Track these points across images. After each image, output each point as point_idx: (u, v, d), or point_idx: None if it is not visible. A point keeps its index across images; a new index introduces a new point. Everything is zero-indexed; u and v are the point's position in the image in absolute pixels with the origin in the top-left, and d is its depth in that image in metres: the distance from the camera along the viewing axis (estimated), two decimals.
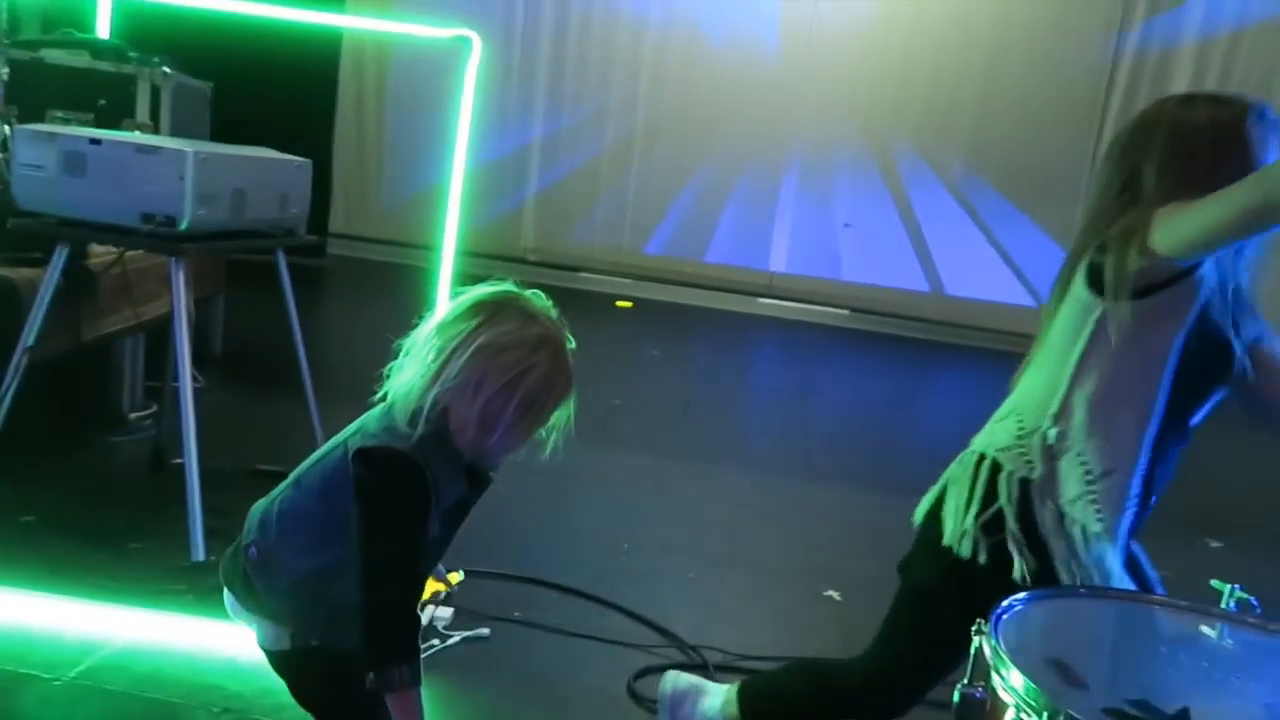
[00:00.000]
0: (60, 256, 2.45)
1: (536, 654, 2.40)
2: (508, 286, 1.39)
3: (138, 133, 2.88)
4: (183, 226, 2.35)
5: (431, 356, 1.33)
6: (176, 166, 2.29)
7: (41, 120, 3.14)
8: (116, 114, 3.58)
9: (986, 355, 6.79)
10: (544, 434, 1.42)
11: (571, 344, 1.39)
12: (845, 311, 7.92)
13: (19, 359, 2.44)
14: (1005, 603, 1.23)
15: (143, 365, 3.55)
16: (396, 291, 6.44)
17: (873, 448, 4.76)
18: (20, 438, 2.63)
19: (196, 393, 2.78)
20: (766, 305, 8.05)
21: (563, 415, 1.41)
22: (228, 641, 2.14)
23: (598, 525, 3.26)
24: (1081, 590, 1.46)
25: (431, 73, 7.41)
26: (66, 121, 3.27)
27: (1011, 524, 1.56)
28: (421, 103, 7.69)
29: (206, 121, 4.07)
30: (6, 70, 3.09)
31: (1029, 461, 1.57)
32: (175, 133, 3.73)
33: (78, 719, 1.89)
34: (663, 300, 7.92)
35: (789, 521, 3.56)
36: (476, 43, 2.17)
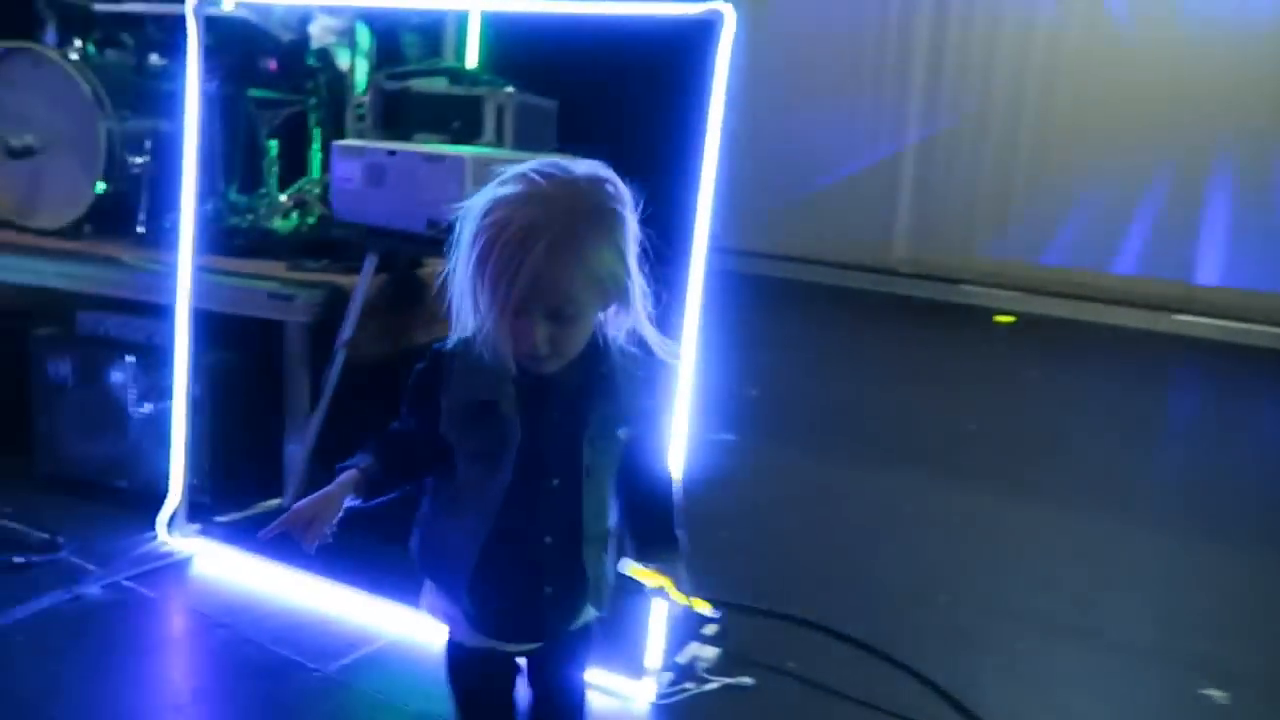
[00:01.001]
0: (370, 263, 2.59)
1: (808, 717, 2.08)
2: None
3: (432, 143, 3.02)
4: None
5: None
6: (456, 173, 2.31)
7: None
8: (469, 134, 3.82)
9: None
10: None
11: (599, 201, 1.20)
12: None
13: (334, 357, 2.61)
14: None
15: None
16: (757, 304, 6.35)
17: None
18: (345, 432, 2.83)
19: None
20: (1184, 323, 6.81)
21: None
22: None
23: (911, 570, 2.83)
24: None
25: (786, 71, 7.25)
26: (425, 143, 3.53)
27: None
28: (795, 111, 7.58)
29: (552, 136, 4.21)
30: (366, 99, 3.39)
31: None
32: (517, 148, 3.89)
33: (320, 713, 1.92)
34: (1052, 315, 7.02)
35: (1162, 590, 2.84)
36: (729, 17, 1.92)
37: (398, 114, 3.74)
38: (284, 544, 2.53)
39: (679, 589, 1.33)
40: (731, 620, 2.35)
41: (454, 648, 1.41)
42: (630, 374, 1.32)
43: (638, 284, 1.26)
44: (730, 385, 4.65)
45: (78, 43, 3.48)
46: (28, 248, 3.04)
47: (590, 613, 1.40)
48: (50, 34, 3.46)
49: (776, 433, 4.09)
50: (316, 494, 1.30)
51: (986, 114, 7.44)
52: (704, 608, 1.36)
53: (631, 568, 1.33)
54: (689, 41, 2.09)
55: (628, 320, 1.28)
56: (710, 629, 2.30)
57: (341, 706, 1.95)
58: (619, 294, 1.24)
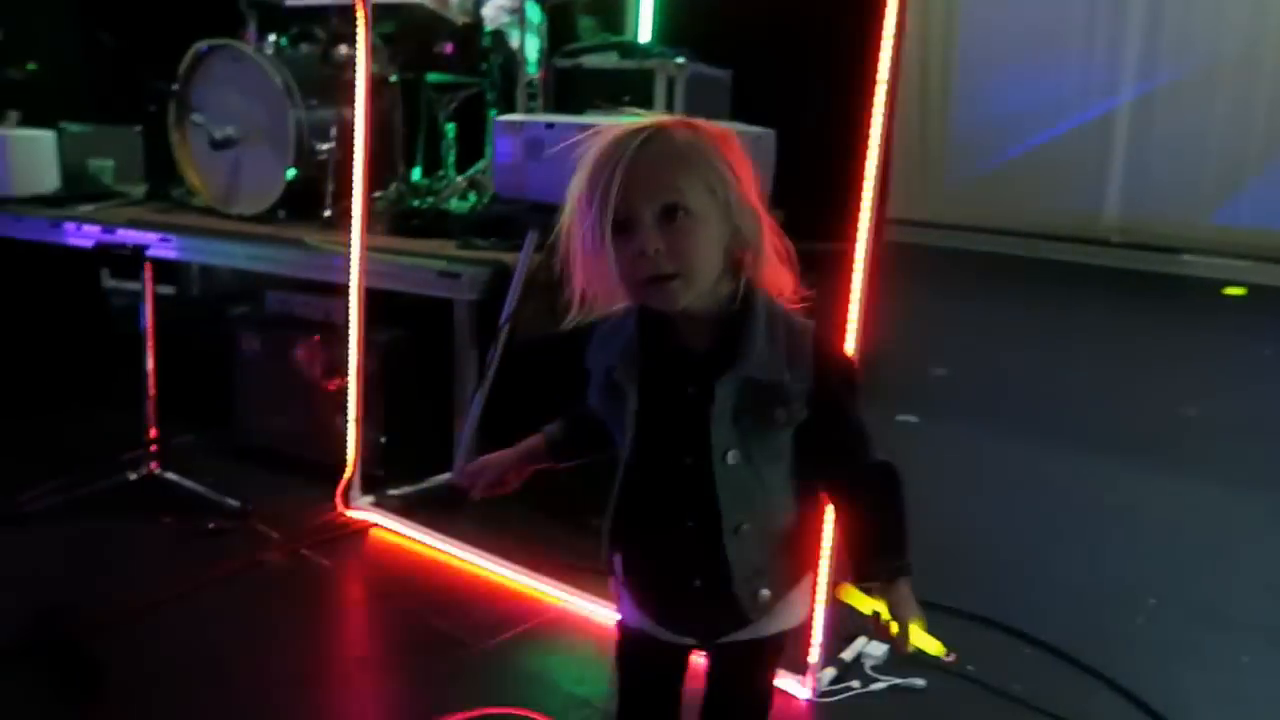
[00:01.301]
0: (530, 239, 2.57)
1: None
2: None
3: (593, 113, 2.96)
4: None
5: None
6: None
7: None
8: (641, 108, 3.77)
9: None
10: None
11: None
12: None
13: (499, 335, 2.61)
14: None
15: None
16: (948, 279, 6.01)
17: None
18: (510, 409, 2.85)
19: None
20: None
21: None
22: None
23: (1113, 569, 2.55)
24: None
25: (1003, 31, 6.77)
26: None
27: None
28: (996, 67, 7.09)
29: (725, 106, 4.09)
30: (538, 78, 3.40)
31: None
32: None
33: (472, 688, 1.92)
34: None
35: None
36: None
37: (570, 91, 3.73)
38: (453, 515, 2.58)
39: (897, 618, 1.11)
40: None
41: (619, 628, 1.33)
42: (789, 343, 1.15)
43: (763, 221, 1.14)
44: (916, 365, 4.40)
45: (272, 38, 3.66)
46: (226, 232, 3.23)
47: (778, 620, 1.24)
48: (251, 31, 3.67)
49: (965, 415, 3.82)
50: (503, 451, 1.35)
51: (1216, 65, 6.69)
52: (932, 646, 1.14)
53: (845, 591, 1.14)
54: (868, 4, 1.94)
55: (761, 264, 1.15)
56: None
57: (496, 682, 1.94)
58: (736, 213, 1.11)
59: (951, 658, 1.16)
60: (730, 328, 1.15)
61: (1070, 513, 2.94)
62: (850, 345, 1.91)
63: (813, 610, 1.91)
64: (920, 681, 1.99)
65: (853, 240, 1.92)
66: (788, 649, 1.32)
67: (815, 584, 1.34)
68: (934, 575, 2.38)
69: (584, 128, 2.33)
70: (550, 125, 2.39)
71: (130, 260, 2.71)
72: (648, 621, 1.27)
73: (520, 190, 2.50)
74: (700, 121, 1.15)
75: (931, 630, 2.03)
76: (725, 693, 1.33)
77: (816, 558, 1.31)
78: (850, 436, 1.19)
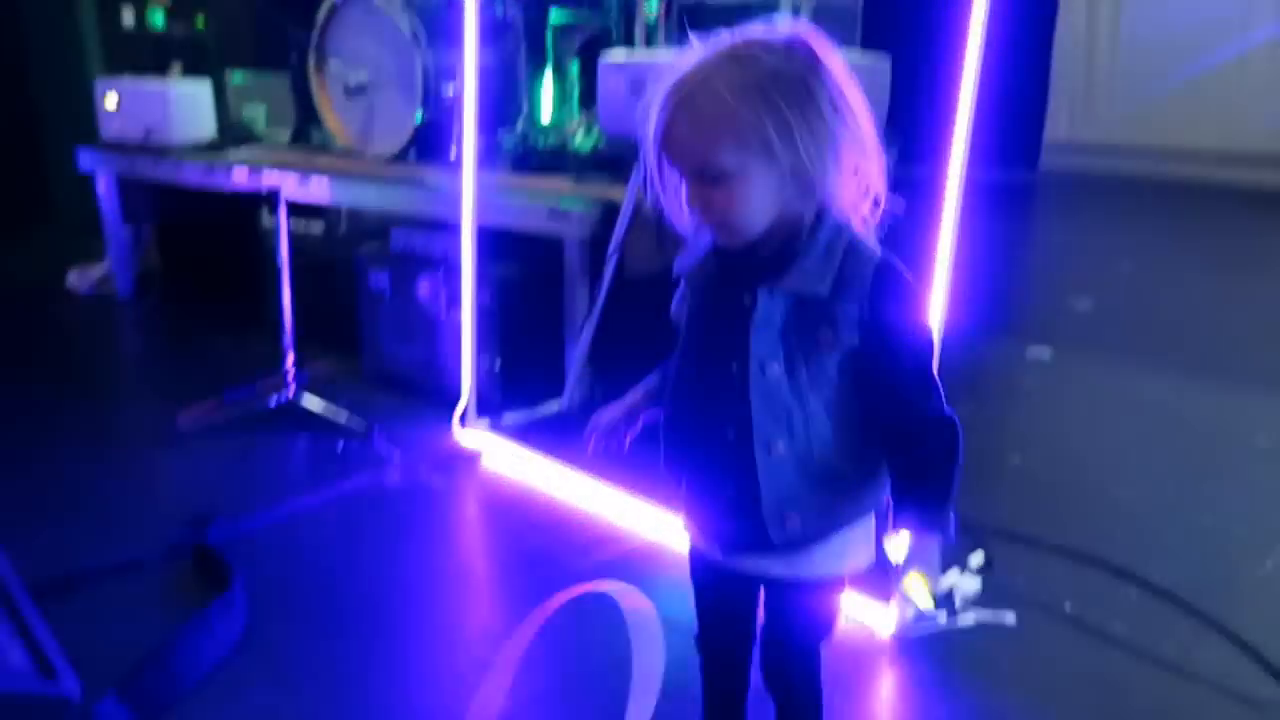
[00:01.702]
0: (636, 175, 2.59)
1: (1076, 668, 1.83)
2: None
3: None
4: None
5: None
6: None
7: None
8: None
9: None
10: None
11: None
12: None
13: (607, 265, 2.66)
14: None
15: None
16: (1111, 206, 5.64)
17: None
18: (631, 344, 2.90)
19: None
20: None
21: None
22: None
23: (1247, 513, 2.40)
24: None
25: None
26: None
27: None
28: None
29: (854, 36, 3.95)
30: (657, 13, 3.38)
31: None
32: None
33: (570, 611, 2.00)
34: None
35: None
36: None
37: (691, 26, 3.69)
38: (563, 442, 2.67)
39: (927, 572, 1.16)
40: (1003, 552, 2.14)
41: (690, 551, 1.37)
42: (847, 266, 1.14)
43: (823, 160, 1.11)
44: (1057, 296, 4.19)
45: None
46: (355, 173, 3.40)
47: (821, 565, 1.23)
48: None
49: (1105, 348, 3.62)
50: (609, 408, 1.36)
51: None
52: (922, 600, 1.19)
53: (888, 539, 1.18)
54: None
55: (840, 186, 1.14)
56: (976, 558, 2.10)
57: (599, 606, 2.02)
58: (784, 162, 1.09)
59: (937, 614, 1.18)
60: (789, 239, 1.15)
61: (1210, 454, 2.77)
62: (939, 276, 1.84)
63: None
64: (1011, 618, 1.95)
65: (943, 167, 1.84)
66: (835, 601, 1.29)
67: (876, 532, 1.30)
68: (1045, 512, 2.34)
69: None
70: (654, 63, 2.38)
71: (268, 200, 2.89)
72: (695, 535, 1.31)
73: (627, 128, 2.52)
74: (772, 41, 1.11)
75: (1034, 568, 1.98)
76: (772, 633, 1.32)
77: (878, 506, 1.25)
78: (907, 382, 1.16)
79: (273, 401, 2.90)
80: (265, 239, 4.75)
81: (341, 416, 2.85)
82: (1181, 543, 2.27)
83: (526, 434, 2.77)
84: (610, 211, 2.80)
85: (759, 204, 1.12)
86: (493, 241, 2.84)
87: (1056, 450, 2.77)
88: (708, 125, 1.09)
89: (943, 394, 1.18)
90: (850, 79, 1.13)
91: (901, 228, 1.24)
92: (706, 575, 1.36)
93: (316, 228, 4.93)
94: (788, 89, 1.08)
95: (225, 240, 4.45)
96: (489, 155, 3.31)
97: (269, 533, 2.30)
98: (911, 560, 1.17)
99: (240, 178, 3.55)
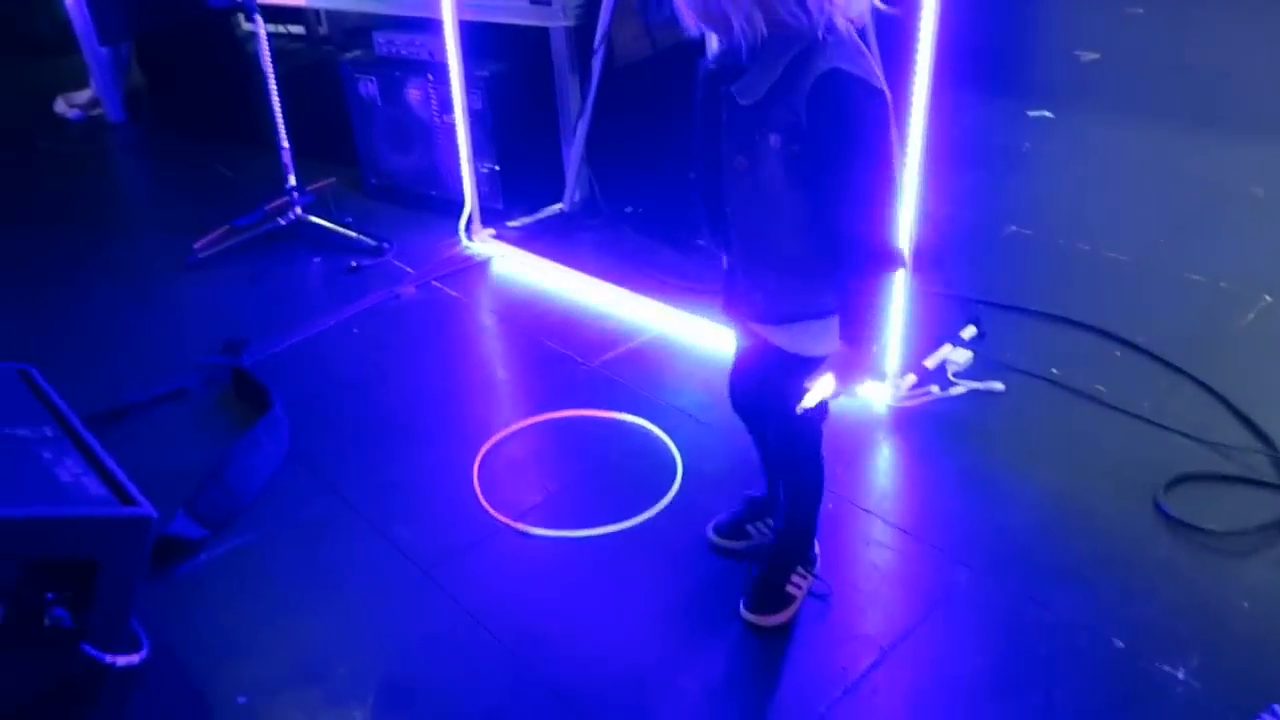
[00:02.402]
0: None
1: (1058, 426, 1.97)
2: None
3: None
4: None
5: None
6: None
7: None
8: None
9: None
10: None
11: None
12: None
13: (594, 57, 2.61)
14: None
15: None
16: None
17: None
18: (626, 137, 2.90)
19: None
20: None
21: None
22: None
23: (1235, 265, 2.46)
24: None
25: None
26: None
27: None
28: None
29: None
30: None
31: None
32: None
33: (587, 401, 2.15)
34: None
35: None
36: None
37: None
38: (568, 242, 2.74)
39: (840, 378, 1.29)
40: (995, 322, 2.24)
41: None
42: (796, 74, 1.17)
43: None
44: (1064, 50, 4.07)
45: None
46: None
47: (797, 343, 1.36)
48: None
49: (1112, 105, 3.57)
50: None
51: None
52: (812, 400, 1.32)
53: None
54: None
55: (798, 10, 1.16)
56: (968, 332, 2.21)
57: (605, 395, 2.16)
58: None
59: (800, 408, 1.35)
60: (783, 44, 1.18)
61: (1205, 208, 2.81)
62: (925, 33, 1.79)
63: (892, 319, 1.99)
64: (999, 385, 2.08)
65: None
66: (809, 385, 1.35)
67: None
68: (1038, 280, 2.42)
69: None
70: None
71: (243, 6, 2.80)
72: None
73: None
74: None
75: (1024, 336, 2.09)
76: (761, 389, 1.50)
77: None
78: (833, 196, 1.21)
79: (283, 222, 2.95)
80: (245, 44, 4.61)
81: (351, 234, 2.90)
82: (1169, 302, 2.36)
83: (531, 238, 2.83)
84: None
85: (732, 10, 1.16)
86: (477, 39, 2.77)
87: (1052, 215, 2.81)
88: None
89: (881, 220, 1.21)
90: None
91: None
92: (737, 341, 1.53)
93: (295, 30, 4.76)
94: None
95: (205, 50, 4.32)
96: None
97: (299, 352, 2.42)
98: (828, 365, 1.31)
99: None
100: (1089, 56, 3.97)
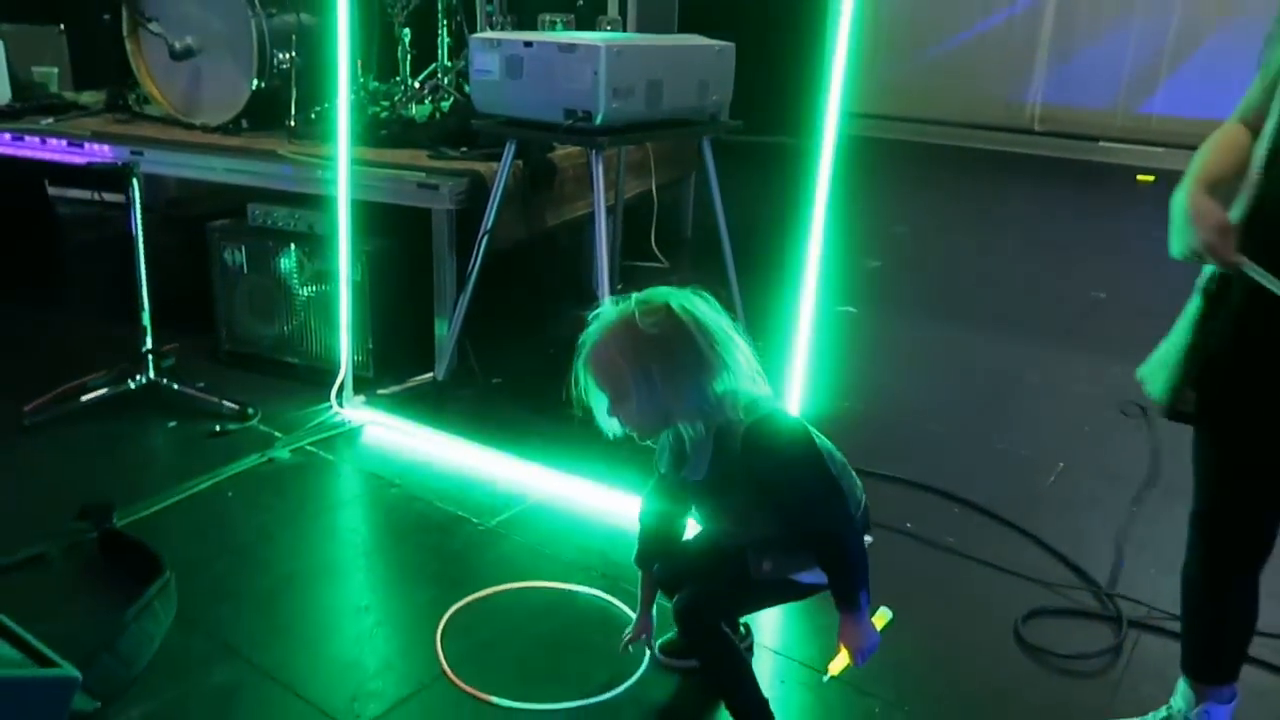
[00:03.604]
0: (509, 151, 2.73)
1: (919, 573, 2.23)
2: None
3: (564, 30, 3.08)
4: (598, 121, 2.48)
5: None
6: (592, 62, 2.40)
7: (534, 25, 3.50)
8: (593, 13, 3.86)
9: None
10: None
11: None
12: None
13: (479, 242, 2.79)
14: None
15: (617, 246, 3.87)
16: (881, 170, 6.25)
17: None
18: (496, 312, 3.06)
19: (659, 273, 2.92)
20: None
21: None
22: (620, 512, 2.33)
23: (1032, 440, 2.91)
24: None
25: None
26: (554, 24, 3.59)
27: None
28: None
29: (672, 15, 4.20)
30: None
31: None
32: (641, 27, 3.91)
33: (486, 561, 2.18)
34: None
35: None
36: None
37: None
38: (440, 411, 2.79)
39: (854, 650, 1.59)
40: None
41: None
42: (722, 449, 1.56)
43: (683, 395, 1.52)
44: (853, 257, 4.68)
45: None
46: (198, 145, 3.30)
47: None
48: None
49: (898, 303, 4.13)
50: (641, 614, 1.83)
51: None
52: (838, 668, 1.61)
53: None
54: None
55: (693, 416, 1.54)
56: None
57: (504, 555, 2.21)
58: (656, 397, 1.51)
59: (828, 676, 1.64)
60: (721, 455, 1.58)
61: (995, 390, 3.29)
62: (812, 240, 2.13)
63: None
64: (868, 538, 2.31)
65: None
66: None
67: None
68: (878, 447, 2.73)
69: (562, 47, 2.51)
70: (529, 44, 2.51)
71: (116, 176, 2.78)
72: None
73: (501, 106, 2.65)
74: (637, 316, 1.51)
75: (878, 497, 2.37)
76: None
77: None
78: (795, 511, 1.58)
79: (133, 385, 2.83)
80: (53, 214, 4.44)
81: (213, 398, 2.83)
82: (985, 466, 2.73)
83: (403, 405, 2.88)
84: (477, 184, 2.92)
85: (645, 421, 1.56)
86: (360, 215, 2.88)
87: (878, 394, 3.20)
88: (602, 372, 1.53)
89: (830, 508, 1.58)
90: (716, 323, 1.54)
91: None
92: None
93: (114, 199, 4.65)
94: (654, 348, 1.49)
95: (14, 218, 4.12)
96: (320, 125, 3.30)
97: (172, 515, 2.30)
98: (841, 636, 1.60)
99: (60, 149, 3.35)
100: (873, 264, 4.61)
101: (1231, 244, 1.31)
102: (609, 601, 2.06)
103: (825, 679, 1.65)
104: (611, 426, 1.55)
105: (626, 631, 1.83)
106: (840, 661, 1.59)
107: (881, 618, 1.70)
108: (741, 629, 1.92)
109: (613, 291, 3.70)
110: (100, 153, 3.30)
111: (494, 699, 1.75)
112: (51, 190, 4.68)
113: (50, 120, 3.58)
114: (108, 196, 4.90)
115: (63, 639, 1.77)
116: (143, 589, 1.90)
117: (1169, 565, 2.24)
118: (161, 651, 1.83)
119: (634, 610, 1.86)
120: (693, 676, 1.83)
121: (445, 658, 1.85)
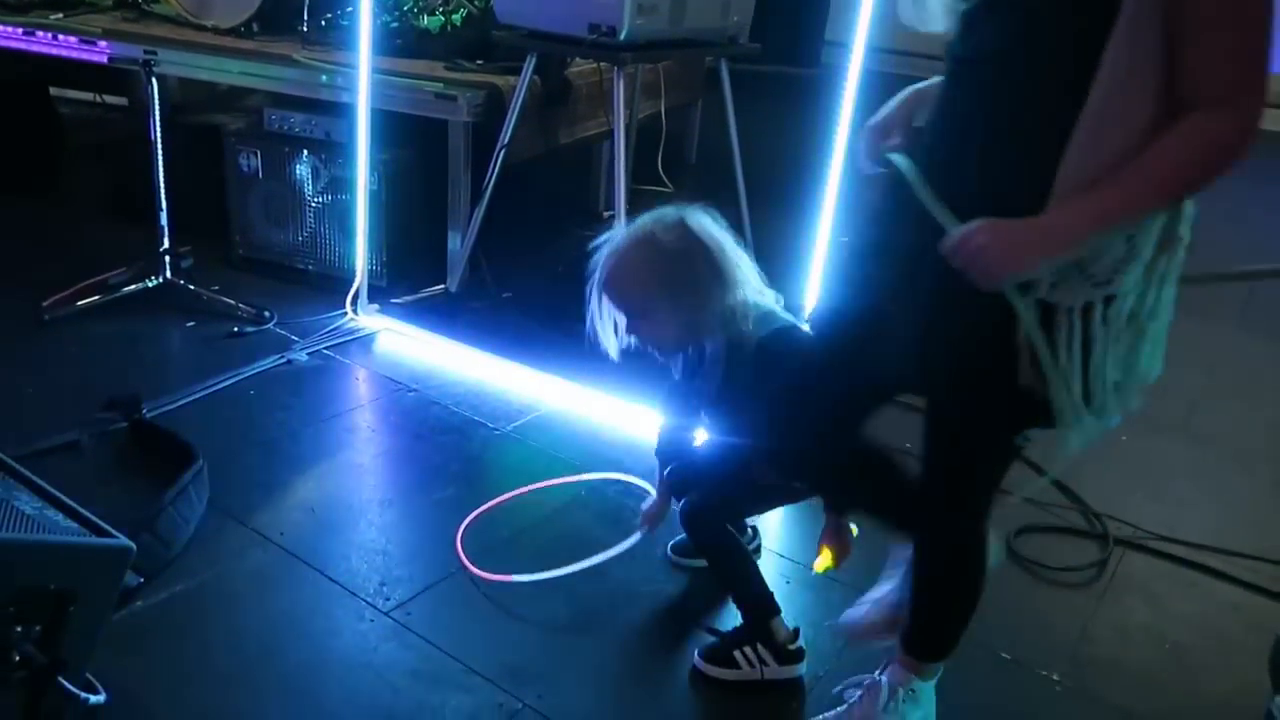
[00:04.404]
0: (529, 64, 2.74)
1: None
2: None
3: None
4: (622, 36, 2.49)
5: None
6: None
7: None
8: None
9: None
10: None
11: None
12: None
13: (497, 155, 2.81)
14: None
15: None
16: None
17: None
18: (507, 227, 3.09)
19: (664, 198, 2.97)
20: None
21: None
22: (630, 421, 2.41)
23: None
24: None
25: None
26: None
27: None
28: None
29: None
30: None
31: None
32: None
33: (503, 463, 2.27)
34: None
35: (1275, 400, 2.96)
36: None
37: None
38: (452, 321, 2.84)
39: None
40: None
41: None
42: (734, 366, 1.62)
43: (702, 309, 1.58)
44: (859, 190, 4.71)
45: None
46: (211, 46, 3.27)
47: None
48: None
49: None
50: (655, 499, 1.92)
51: None
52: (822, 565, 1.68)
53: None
54: None
55: (712, 331, 1.61)
56: None
57: (519, 457, 2.29)
58: (679, 313, 1.58)
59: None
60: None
61: None
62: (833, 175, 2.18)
63: None
64: None
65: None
66: None
67: None
68: None
69: None
70: None
71: (120, 77, 2.77)
72: None
73: (522, 18, 2.65)
74: (656, 228, 1.57)
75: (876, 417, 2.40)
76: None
77: None
78: None
79: (151, 284, 2.87)
80: (59, 112, 4.39)
81: (230, 300, 2.86)
82: None
83: (416, 314, 2.93)
84: (494, 97, 2.93)
85: (668, 334, 1.62)
86: (377, 124, 2.89)
87: None
88: (625, 289, 1.59)
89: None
90: (725, 238, 1.59)
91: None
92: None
93: (116, 100, 4.61)
94: (677, 260, 1.55)
95: (19, 120, 4.07)
96: (348, 36, 3.28)
97: (197, 410, 2.37)
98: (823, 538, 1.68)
99: (70, 45, 3.32)
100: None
101: (871, 143, 1.33)
102: (624, 481, 2.16)
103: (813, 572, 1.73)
104: (618, 347, 1.62)
105: (645, 504, 1.93)
106: (823, 560, 1.67)
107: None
108: (749, 531, 2.02)
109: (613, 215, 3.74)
110: (115, 50, 3.27)
111: (515, 577, 1.84)
112: (52, 90, 4.62)
113: (59, 15, 3.53)
114: (109, 99, 4.85)
115: (103, 520, 1.86)
116: (177, 475, 1.97)
117: (1155, 492, 2.37)
118: (196, 536, 1.91)
119: (651, 487, 1.98)
120: (702, 573, 1.93)
121: (466, 555, 1.93)
